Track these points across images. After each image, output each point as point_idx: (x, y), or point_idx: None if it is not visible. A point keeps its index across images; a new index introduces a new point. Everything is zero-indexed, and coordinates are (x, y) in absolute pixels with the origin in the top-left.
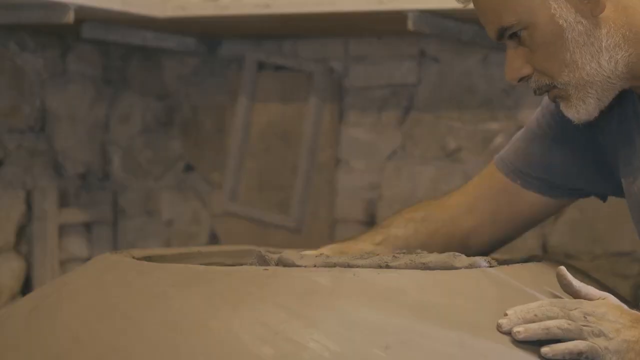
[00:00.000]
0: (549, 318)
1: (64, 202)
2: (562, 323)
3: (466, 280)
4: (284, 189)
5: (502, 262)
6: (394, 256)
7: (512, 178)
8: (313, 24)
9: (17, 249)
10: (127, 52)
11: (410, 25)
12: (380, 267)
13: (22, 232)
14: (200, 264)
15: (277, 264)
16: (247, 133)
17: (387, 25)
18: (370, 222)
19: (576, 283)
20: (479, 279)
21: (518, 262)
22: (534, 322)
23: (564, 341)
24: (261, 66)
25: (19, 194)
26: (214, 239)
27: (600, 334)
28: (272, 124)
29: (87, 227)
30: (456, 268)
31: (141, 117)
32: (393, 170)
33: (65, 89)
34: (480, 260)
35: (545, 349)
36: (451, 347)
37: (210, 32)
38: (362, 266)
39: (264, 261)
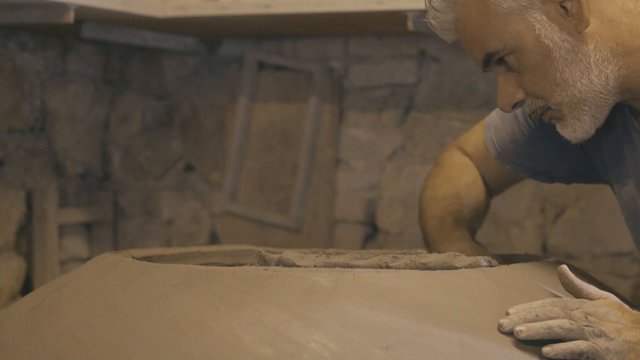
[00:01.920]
0: (551, 318)
1: (64, 202)
2: (564, 323)
3: (466, 280)
4: (284, 189)
5: (502, 262)
6: (394, 256)
7: (503, 162)
8: (313, 24)
9: (17, 249)
10: (127, 52)
11: (410, 25)
12: (380, 267)
13: (22, 232)
14: (200, 264)
15: (277, 264)
16: (247, 133)
17: (387, 25)
18: (370, 222)
19: (577, 282)
20: (479, 278)
21: (518, 262)
22: (535, 321)
23: (565, 341)
24: (261, 66)
25: (19, 194)
26: (214, 239)
27: (601, 334)
28: (272, 124)
29: (87, 227)
30: (456, 268)
31: (141, 117)
32: (393, 170)
33: (65, 89)
34: (481, 259)
35: (546, 349)
36: (451, 347)
37: (210, 32)
38: (362, 266)
39: (264, 261)
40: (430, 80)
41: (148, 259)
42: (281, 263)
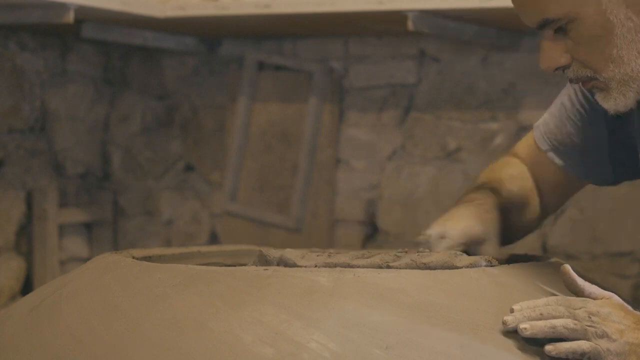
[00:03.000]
0: (555, 317)
1: (64, 202)
2: (568, 323)
3: (467, 280)
4: (284, 189)
5: (502, 262)
6: (395, 255)
7: (554, 153)
8: (313, 24)
9: (17, 249)
10: (127, 52)
11: (410, 25)
12: (380, 267)
13: (22, 232)
14: (200, 264)
15: (277, 264)
16: (247, 133)
17: (387, 25)
18: (370, 222)
19: (580, 281)
20: (480, 278)
21: (518, 262)
22: (539, 320)
23: (567, 340)
24: (261, 66)
25: (19, 194)
26: (214, 239)
27: (603, 335)
28: (272, 124)
29: (87, 227)
30: (457, 268)
31: (141, 117)
32: (393, 170)
33: (65, 89)
34: (481, 259)
35: (549, 347)
36: (451, 347)
37: (210, 32)
38: (362, 266)
39: (264, 261)
40: (430, 80)
41: (148, 259)
42: (281, 263)
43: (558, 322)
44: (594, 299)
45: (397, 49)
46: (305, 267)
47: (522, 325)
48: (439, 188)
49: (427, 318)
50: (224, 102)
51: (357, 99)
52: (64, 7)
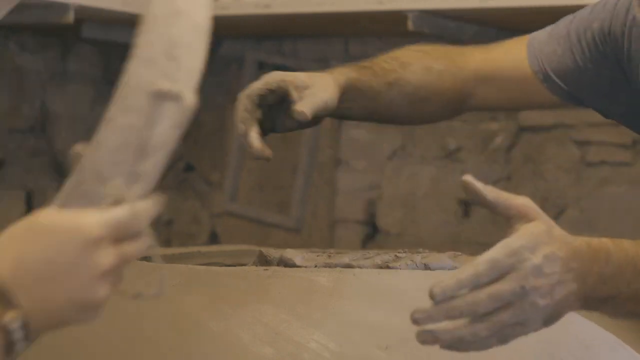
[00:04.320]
0: (476, 311)
1: None
2: (489, 326)
3: None
4: (284, 189)
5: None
6: (395, 255)
7: (540, 78)
8: (313, 24)
9: None
10: (127, 52)
11: (410, 25)
12: (380, 267)
13: None
14: (200, 264)
15: (277, 264)
16: None
17: (387, 25)
18: (370, 222)
19: (490, 194)
20: None
21: None
22: (458, 318)
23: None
24: (261, 66)
25: (19, 194)
26: (214, 239)
27: (535, 311)
28: None
29: None
30: (457, 268)
31: None
32: (393, 170)
33: (65, 89)
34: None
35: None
36: None
37: (210, 32)
38: (362, 266)
39: (264, 261)
40: None
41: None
42: (281, 263)
43: (481, 328)
44: (510, 215)
45: (397, 49)
46: (305, 267)
47: (439, 334)
48: (439, 188)
49: None
50: (224, 102)
51: None
52: (64, 7)
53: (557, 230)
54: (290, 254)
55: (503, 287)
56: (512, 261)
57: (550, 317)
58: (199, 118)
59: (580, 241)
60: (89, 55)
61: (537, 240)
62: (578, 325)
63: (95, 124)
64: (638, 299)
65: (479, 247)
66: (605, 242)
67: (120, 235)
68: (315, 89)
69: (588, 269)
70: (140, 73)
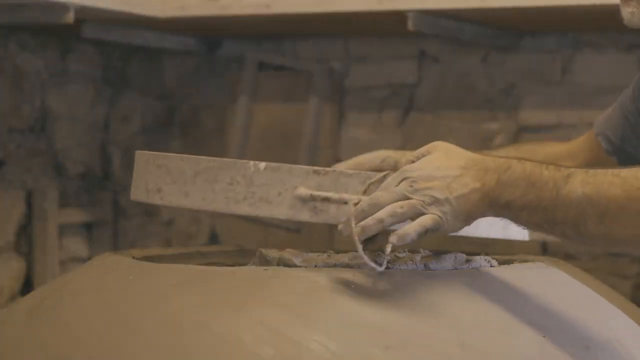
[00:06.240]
0: (380, 207)
1: (64, 202)
2: (394, 208)
3: (466, 280)
4: None
5: (502, 262)
6: (395, 255)
7: (603, 144)
8: (313, 24)
9: (17, 249)
10: (127, 52)
11: (410, 25)
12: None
13: (22, 232)
14: (200, 264)
15: (277, 264)
16: (247, 133)
17: (387, 25)
18: None
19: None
20: (479, 278)
21: (517, 262)
22: (365, 218)
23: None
24: (261, 66)
25: (19, 194)
26: (214, 239)
27: (433, 202)
28: (272, 124)
29: (87, 227)
30: (457, 268)
31: (141, 117)
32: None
33: (65, 89)
34: (481, 260)
35: (392, 238)
36: (451, 347)
37: (210, 32)
38: (362, 266)
39: (264, 261)
40: (430, 81)
41: (148, 259)
42: (281, 263)
43: (383, 214)
44: (416, 157)
45: (397, 49)
46: (305, 267)
47: (355, 231)
48: None
49: (427, 318)
50: (224, 102)
51: (357, 99)
52: (64, 7)
53: (458, 149)
54: (290, 254)
55: (397, 189)
56: (401, 176)
57: (460, 212)
58: (199, 118)
59: (484, 154)
60: (89, 55)
61: (427, 159)
62: (578, 325)
63: (95, 124)
64: (531, 209)
65: (479, 247)
66: (511, 158)
67: None
68: None
69: (488, 172)
70: None
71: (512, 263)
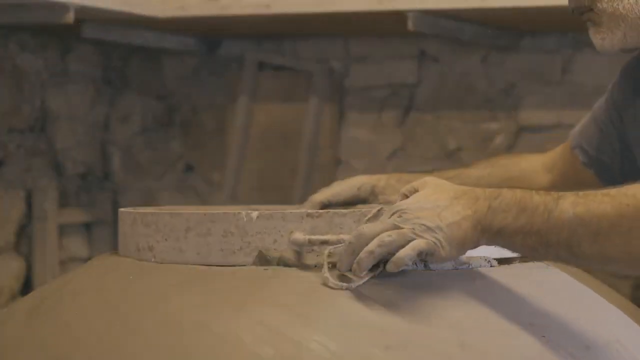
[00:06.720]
0: (366, 237)
1: (64, 202)
2: (382, 238)
3: (467, 280)
4: (284, 189)
5: (502, 262)
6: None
7: (580, 157)
8: (313, 24)
9: (17, 249)
10: (127, 52)
11: (410, 25)
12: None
13: (22, 232)
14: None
15: (277, 264)
16: (247, 133)
17: (387, 25)
18: None
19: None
20: (479, 278)
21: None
22: (353, 253)
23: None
24: (261, 66)
25: (19, 194)
26: None
27: (424, 230)
28: (272, 124)
29: (87, 227)
30: (457, 268)
31: (141, 117)
32: (393, 170)
33: (65, 89)
34: (481, 260)
35: (389, 266)
36: (451, 347)
37: (210, 32)
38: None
39: (264, 261)
40: (430, 81)
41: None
42: (281, 263)
43: (372, 245)
44: (408, 192)
45: (397, 49)
46: (305, 267)
47: (345, 271)
48: None
49: (427, 318)
50: (224, 102)
51: (357, 99)
52: (64, 7)
53: (447, 183)
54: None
55: (387, 219)
56: (393, 211)
57: (453, 238)
58: (199, 118)
59: (473, 187)
60: (89, 55)
61: (417, 195)
62: (578, 325)
63: (95, 124)
64: (524, 233)
65: None
66: (501, 188)
67: None
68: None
69: (479, 200)
70: None
71: (512, 263)
